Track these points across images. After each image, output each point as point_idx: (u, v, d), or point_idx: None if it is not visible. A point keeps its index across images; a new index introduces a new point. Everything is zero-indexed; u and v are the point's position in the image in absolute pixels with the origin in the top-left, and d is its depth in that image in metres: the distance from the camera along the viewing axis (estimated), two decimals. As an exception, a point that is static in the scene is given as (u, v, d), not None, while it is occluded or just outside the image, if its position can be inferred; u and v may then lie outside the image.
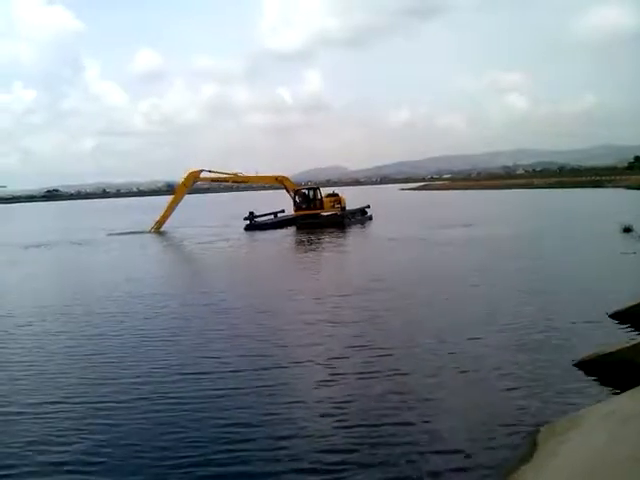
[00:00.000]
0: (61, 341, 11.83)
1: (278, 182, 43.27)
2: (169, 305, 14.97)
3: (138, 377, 9.29)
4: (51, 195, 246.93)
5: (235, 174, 43.74)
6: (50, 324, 13.39)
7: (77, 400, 8.39)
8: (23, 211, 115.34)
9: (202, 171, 42.33)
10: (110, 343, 11.44)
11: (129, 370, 9.70)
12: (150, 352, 10.72)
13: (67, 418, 7.74)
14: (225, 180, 44.24)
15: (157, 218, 42.30)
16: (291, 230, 38.26)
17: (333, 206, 41.23)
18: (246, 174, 45.12)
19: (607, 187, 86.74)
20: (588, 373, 8.42)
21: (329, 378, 8.80)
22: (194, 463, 6.37)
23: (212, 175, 43.13)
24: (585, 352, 8.97)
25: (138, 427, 7.36)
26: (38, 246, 34.59)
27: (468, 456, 6.27)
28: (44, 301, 16.26)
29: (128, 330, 12.41)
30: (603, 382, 8.11)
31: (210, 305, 14.64)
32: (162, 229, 41.64)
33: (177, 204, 42.45)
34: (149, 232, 40.66)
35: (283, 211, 44.98)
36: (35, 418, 7.79)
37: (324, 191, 43.82)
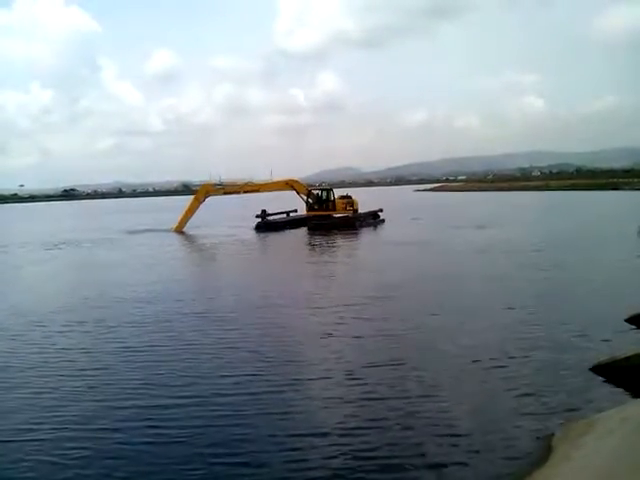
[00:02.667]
0: (70, 352, 11.04)
1: (288, 186, 43.57)
2: (174, 314, 14.04)
3: (130, 400, 8.45)
4: (68, 195, 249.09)
5: (246, 183, 44.87)
6: (53, 329, 12.87)
7: (65, 425, 7.62)
8: (41, 210, 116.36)
9: (214, 185, 44.10)
10: (102, 358, 10.64)
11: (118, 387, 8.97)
12: (145, 368, 9.86)
13: (57, 444, 7.09)
14: (237, 191, 44.94)
15: (178, 220, 43.18)
16: (302, 231, 38.22)
17: (345, 208, 41.36)
18: (257, 182, 46.36)
19: (624, 190, 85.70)
20: (603, 378, 8.40)
21: (337, 403, 8.07)
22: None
23: (223, 188, 44.47)
24: (601, 356, 8.95)
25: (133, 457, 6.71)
26: (63, 244, 35.12)
27: (483, 460, 6.31)
28: (52, 305, 15.65)
29: (125, 342, 11.60)
30: (618, 387, 8.09)
31: (217, 314, 13.78)
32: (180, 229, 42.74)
33: (191, 215, 43.26)
34: (170, 230, 41.80)
35: (296, 211, 45.39)
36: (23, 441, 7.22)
37: (338, 193, 44.06)
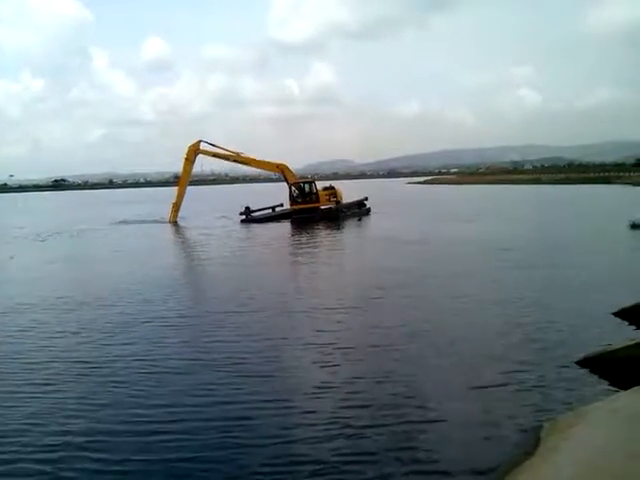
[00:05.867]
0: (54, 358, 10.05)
1: (278, 170, 43.32)
2: (155, 318, 12.84)
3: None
4: (58, 185, 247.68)
5: (237, 153, 43.60)
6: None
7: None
8: (32, 201, 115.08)
9: (201, 142, 42.46)
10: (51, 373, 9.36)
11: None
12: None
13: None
14: (226, 157, 43.83)
15: (171, 206, 43.22)
16: (285, 226, 37.52)
17: (329, 199, 41.21)
18: (248, 155, 44.69)
19: (615, 184, 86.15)
20: (592, 370, 8.44)
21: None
22: None
23: (213, 149, 43.24)
24: (589, 349, 8.98)
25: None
26: (59, 234, 35.16)
27: (471, 452, 6.33)
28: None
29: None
30: (607, 380, 8.13)
31: (189, 320, 12.70)
32: (176, 219, 42.71)
33: (187, 181, 43.69)
34: (169, 222, 41.96)
35: (282, 205, 44.21)
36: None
37: (327, 184, 44.26)
